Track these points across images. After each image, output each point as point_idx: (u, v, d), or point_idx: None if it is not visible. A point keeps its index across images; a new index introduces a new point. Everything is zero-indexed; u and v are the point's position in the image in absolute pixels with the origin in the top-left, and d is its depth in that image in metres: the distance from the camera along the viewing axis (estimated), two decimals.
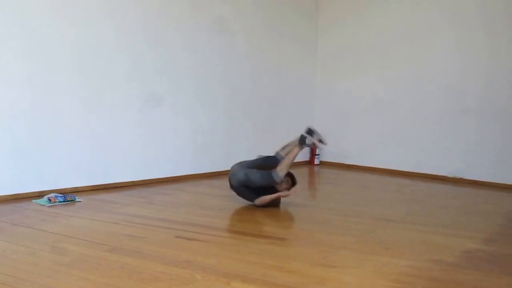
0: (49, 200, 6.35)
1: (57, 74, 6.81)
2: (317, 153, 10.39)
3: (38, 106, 6.66)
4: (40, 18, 6.60)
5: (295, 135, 6.78)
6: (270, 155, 6.76)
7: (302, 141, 6.64)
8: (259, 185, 6.43)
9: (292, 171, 6.67)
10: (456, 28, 8.85)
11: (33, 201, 6.41)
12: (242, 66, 9.18)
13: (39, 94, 6.66)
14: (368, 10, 9.85)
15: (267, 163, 6.56)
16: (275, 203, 6.52)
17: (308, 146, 6.85)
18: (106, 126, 7.35)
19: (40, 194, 6.61)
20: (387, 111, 9.65)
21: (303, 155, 10.43)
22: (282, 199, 6.63)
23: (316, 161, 10.42)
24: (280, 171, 6.44)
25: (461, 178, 8.74)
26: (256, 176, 6.40)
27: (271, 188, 6.51)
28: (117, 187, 7.39)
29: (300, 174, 9.59)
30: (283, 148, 6.78)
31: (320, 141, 6.78)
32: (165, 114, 8.04)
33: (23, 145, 6.56)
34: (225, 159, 8.37)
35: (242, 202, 6.67)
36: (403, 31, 9.43)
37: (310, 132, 6.80)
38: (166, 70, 8.00)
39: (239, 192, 6.53)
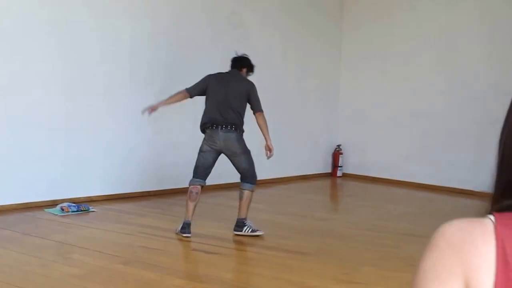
0: (62, 209, 6.29)
1: (71, 83, 6.82)
2: (340, 165, 10.24)
3: (52, 114, 6.66)
4: (64, 25, 6.65)
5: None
6: None
7: None
8: None
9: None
10: (488, 35, 8.60)
11: (46, 210, 6.34)
12: (263, 75, 9.04)
13: (53, 103, 6.67)
14: (395, 15, 9.66)
15: None
16: None
17: None
18: (120, 136, 7.33)
19: (53, 203, 6.53)
20: (413, 121, 9.46)
21: (325, 166, 10.30)
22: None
23: (339, 173, 10.27)
24: None
25: (489, 193, 8.52)
26: None
27: None
28: (132, 197, 7.32)
29: (322, 186, 9.54)
30: None
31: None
32: (181, 123, 7.98)
33: (36, 153, 6.54)
34: None
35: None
36: (431, 37, 9.22)
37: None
38: (183, 78, 7.88)
39: None
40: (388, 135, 9.68)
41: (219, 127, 5.66)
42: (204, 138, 5.80)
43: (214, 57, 8.28)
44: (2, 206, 6.23)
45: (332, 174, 10.30)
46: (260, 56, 8.98)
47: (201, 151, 5.79)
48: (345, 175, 10.19)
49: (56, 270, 4.39)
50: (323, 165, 10.26)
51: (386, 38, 9.75)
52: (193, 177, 5.82)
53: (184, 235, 5.48)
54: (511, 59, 8.41)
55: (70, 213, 6.26)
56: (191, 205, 5.65)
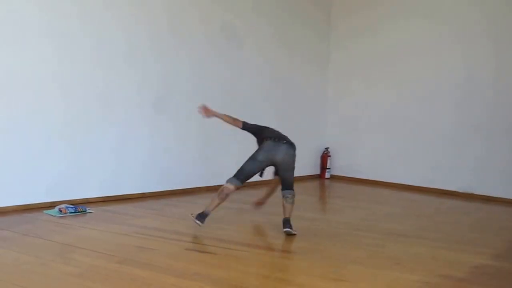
0: (60, 211, 6.37)
1: (68, 88, 6.88)
2: (328, 167, 10.38)
3: (50, 118, 6.72)
4: (61, 33, 6.72)
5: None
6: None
7: None
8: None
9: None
10: (465, 45, 8.84)
11: (44, 211, 6.43)
12: (253, 81, 9.19)
13: (52, 107, 6.73)
14: (380, 27, 9.85)
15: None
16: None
17: None
18: (117, 138, 7.40)
19: (51, 205, 6.63)
20: (399, 125, 9.63)
21: (314, 168, 10.43)
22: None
23: (327, 175, 10.41)
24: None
25: (472, 193, 8.69)
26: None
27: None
28: (128, 198, 7.40)
29: (311, 188, 9.62)
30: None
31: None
32: (176, 127, 8.07)
33: (35, 156, 6.60)
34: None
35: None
36: (413, 48, 9.43)
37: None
38: (177, 84, 8.03)
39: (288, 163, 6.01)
40: (374, 139, 9.86)
41: (282, 141, 5.96)
42: (262, 149, 5.98)
43: (208, 64, 8.41)
44: (2, 208, 6.32)
45: (320, 176, 10.45)
46: (254, 68, 9.16)
47: (256, 159, 5.94)
48: (333, 177, 10.34)
49: (54, 269, 4.43)
50: (312, 167, 10.40)
51: (371, 49, 10.01)
52: (234, 176, 5.93)
53: (197, 221, 5.78)
54: (488, 67, 8.64)
55: (68, 214, 6.35)
56: (217, 201, 5.90)
